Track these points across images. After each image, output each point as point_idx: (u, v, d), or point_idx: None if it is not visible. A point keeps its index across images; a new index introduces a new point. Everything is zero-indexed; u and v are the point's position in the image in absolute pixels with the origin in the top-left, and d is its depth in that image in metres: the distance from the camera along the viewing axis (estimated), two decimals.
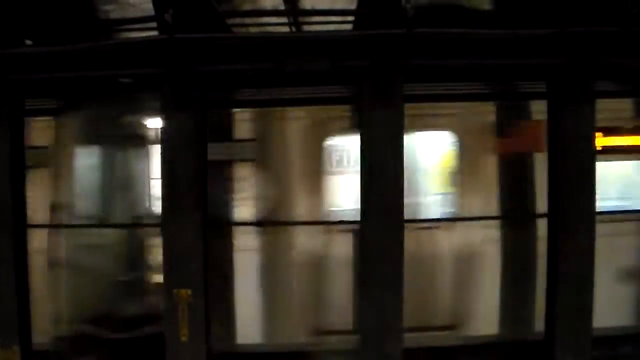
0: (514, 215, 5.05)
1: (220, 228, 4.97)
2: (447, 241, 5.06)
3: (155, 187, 5.10)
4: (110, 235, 5.12)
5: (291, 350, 4.95)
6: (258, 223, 5.03)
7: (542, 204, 4.85)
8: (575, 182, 4.61)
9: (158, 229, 4.80)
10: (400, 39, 4.49)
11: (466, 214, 5.02)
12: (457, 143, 5.14)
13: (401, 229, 4.58)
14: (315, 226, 5.03)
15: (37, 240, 4.94)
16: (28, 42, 4.86)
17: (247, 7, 4.89)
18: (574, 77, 4.62)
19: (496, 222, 5.02)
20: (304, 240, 5.03)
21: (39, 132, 5.03)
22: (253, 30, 5.05)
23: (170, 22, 4.38)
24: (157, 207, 5.01)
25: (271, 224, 5.05)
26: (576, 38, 4.54)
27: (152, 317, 4.88)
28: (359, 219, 4.68)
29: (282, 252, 5.06)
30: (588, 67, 4.62)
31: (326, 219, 5.11)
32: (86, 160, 5.18)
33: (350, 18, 4.85)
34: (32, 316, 4.88)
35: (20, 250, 4.84)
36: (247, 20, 4.99)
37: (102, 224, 5.14)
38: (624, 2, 4.37)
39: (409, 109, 4.66)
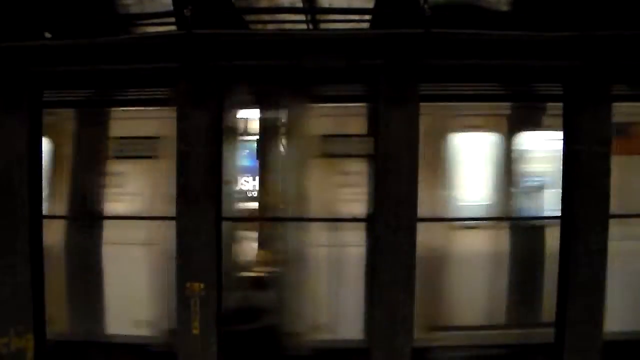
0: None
1: None
2: None
3: None
4: None
5: None
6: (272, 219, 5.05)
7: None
8: (590, 186, 4.61)
9: None
10: (418, 39, 4.50)
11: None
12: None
13: (414, 227, 4.60)
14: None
15: None
16: (47, 35, 4.91)
17: (265, 4, 4.92)
18: (591, 80, 4.62)
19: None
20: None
21: None
22: (270, 27, 5.08)
23: (188, 17, 4.42)
24: None
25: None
26: (594, 41, 4.53)
27: None
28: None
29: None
30: (605, 71, 4.61)
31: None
32: None
33: (368, 17, 4.87)
34: None
35: (36, 241, 4.90)
36: (265, 17, 5.01)
37: None
38: None
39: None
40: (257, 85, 4.97)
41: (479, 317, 4.96)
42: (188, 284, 4.68)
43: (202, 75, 4.70)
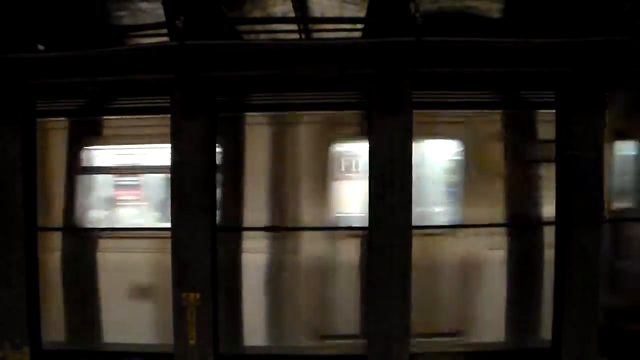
0: None
1: None
2: None
3: None
4: None
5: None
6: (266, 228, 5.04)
7: None
8: (583, 192, 4.64)
9: None
10: (409, 47, 4.53)
11: None
12: None
13: (409, 235, 4.62)
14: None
15: None
16: (40, 47, 4.92)
17: (257, 14, 4.93)
18: (583, 87, 4.65)
19: None
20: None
21: None
22: (263, 37, 5.10)
23: (181, 28, 4.44)
24: None
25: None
26: (585, 47, 4.56)
27: None
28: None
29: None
30: (597, 77, 4.64)
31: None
32: None
33: (360, 26, 4.89)
34: None
35: (31, 252, 4.91)
36: (257, 27, 5.03)
37: None
38: (633, 12, 4.40)
39: None
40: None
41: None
42: (184, 295, 4.69)
43: (196, 85, 4.73)
